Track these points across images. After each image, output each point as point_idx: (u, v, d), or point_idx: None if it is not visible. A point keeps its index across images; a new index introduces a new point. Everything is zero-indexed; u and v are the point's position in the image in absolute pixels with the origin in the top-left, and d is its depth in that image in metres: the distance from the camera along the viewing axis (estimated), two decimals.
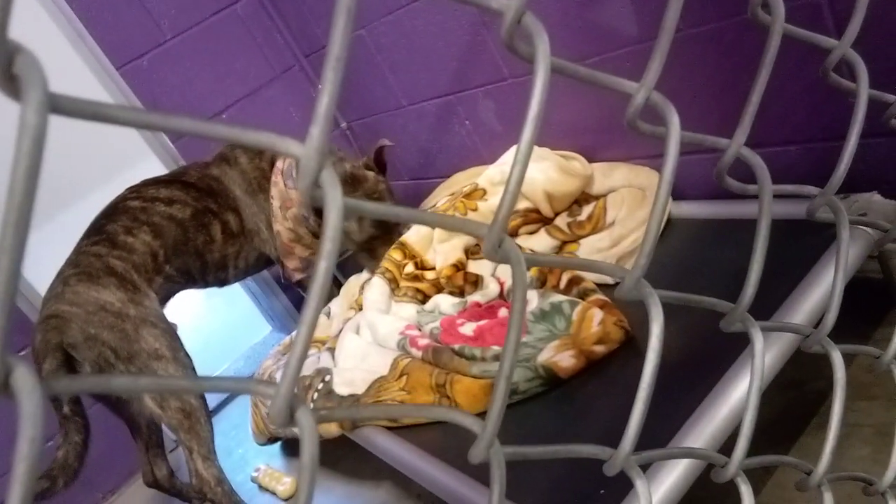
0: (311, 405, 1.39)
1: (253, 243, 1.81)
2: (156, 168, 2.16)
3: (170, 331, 1.49)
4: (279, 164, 1.77)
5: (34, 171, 0.22)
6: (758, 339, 0.40)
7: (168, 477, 1.62)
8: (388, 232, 1.80)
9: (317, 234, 1.79)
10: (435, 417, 0.33)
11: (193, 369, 1.50)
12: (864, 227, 1.01)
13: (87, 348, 1.36)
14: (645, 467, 0.78)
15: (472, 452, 0.32)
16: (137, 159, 2.22)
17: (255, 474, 1.75)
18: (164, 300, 1.66)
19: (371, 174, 1.76)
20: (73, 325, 1.37)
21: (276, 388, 0.29)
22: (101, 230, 1.59)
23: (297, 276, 1.89)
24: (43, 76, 0.22)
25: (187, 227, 1.67)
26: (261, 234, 1.81)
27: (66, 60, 1.97)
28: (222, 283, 1.85)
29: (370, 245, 1.79)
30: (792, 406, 1.08)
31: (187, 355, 1.50)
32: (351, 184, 1.72)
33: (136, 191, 1.70)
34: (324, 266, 0.26)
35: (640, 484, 0.36)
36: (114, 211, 1.65)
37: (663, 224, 1.40)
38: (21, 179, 0.22)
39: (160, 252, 1.61)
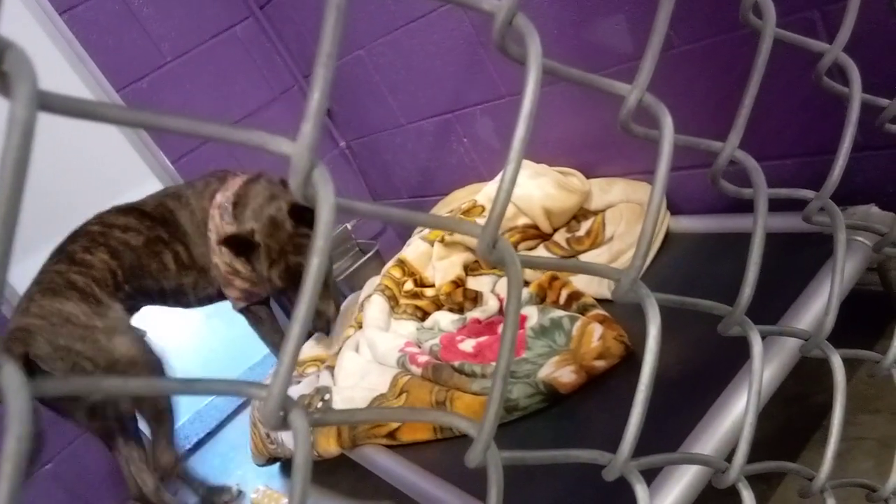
0: None
1: (208, 278, 1.81)
2: (156, 189, 2.16)
3: (138, 337, 1.58)
4: (218, 197, 1.73)
5: (22, 166, 0.22)
6: (756, 341, 0.39)
7: (154, 491, 1.64)
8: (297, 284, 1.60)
9: (254, 267, 1.69)
10: (431, 421, 0.32)
11: (163, 370, 1.62)
12: (862, 239, 1.01)
13: (59, 359, 1.41)
14: (650, 480, 0.77)
15: (468, 456, 0.32)
16: (137, 181, 2.23)
17: (254, 495, 1.73)
18: (129, 312, 1.72)
19: (290, 224, 1.61)
20: (39, 337, 1.41)
21: (268, 390, 0.28)
22: (62, 250, 1.67)
23: (240, 305, 1.88)
24: (32, 72, 0.22)
25: (141, 254, 1.72)
26: (210, 273, 1.81)
27: (67, 83, 1.99)
28: (186, 306, 1.87)
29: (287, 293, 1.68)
30: (794, 420, 1.07)
31: (157, 358, 1.58)
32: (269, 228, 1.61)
33: (100, 217, 1.76)
34: (315, 262, 0.26)
35: (640, 489, 0.36)
36: (75, 234, 1.72)
37: (662, 231, 1.40)
38: (9, 174, 0.22)
39: (118, 272, 1.67)
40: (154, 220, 1.76)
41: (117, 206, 1.80)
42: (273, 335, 1.99)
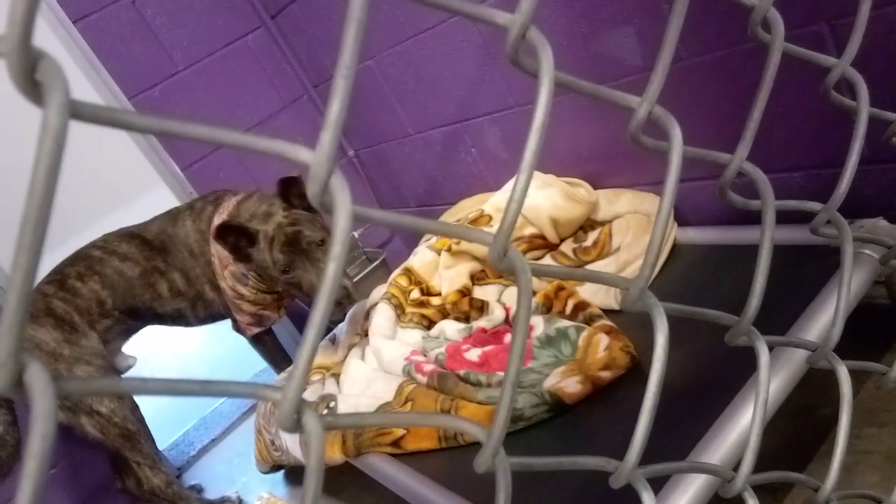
0: None
1: (205, 301, 1.82)
2: (165, 196, 2.18)
3: (106, 367, 1.62)
4: (215, 220, 1.72)
5: (54, 171, 0.22)
6: (763, 352, 0.40)
7: (136, 485, 1.69)
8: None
9: (261, 290, 1.72)
10: (441, 426, 0.33)
11: (134, 402, 1.67)
12: (870, 252, 1.01)
13: None
14: (656, 489, 0.77)
15: (477, 461, 0.32)
16: (147, 187, 2.25)
17: (257, 502, 1.73)
18: (124, 334, 1.79)
19: (283, 210, 1.60)
20: None
21: (283, 392, 0.29)
22: (60, 271, 1.71)
23: (252, 331, 1.88)
24: (65, 81, 0.23)
25: (135, 285, 1.74)
26: (205, 296, 1.81)
27: (80, 91, 2.01)
28: (187, 325, 1.89)
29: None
30: (801, 432, 1.07)
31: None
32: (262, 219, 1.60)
33: (105, 240, 1.78)
34: (332, 268, 0.26)
35: (646, 497, 0.36)
36: (77, 256, 1.75)
37: (669, 242, 1.40)
38: (41, 179, 0.22)
39: (108, 300, 1.70)
40: (153, 248, 1.77)
41: (124, 230, 1.82)
42: (275, 354, 2.00)
